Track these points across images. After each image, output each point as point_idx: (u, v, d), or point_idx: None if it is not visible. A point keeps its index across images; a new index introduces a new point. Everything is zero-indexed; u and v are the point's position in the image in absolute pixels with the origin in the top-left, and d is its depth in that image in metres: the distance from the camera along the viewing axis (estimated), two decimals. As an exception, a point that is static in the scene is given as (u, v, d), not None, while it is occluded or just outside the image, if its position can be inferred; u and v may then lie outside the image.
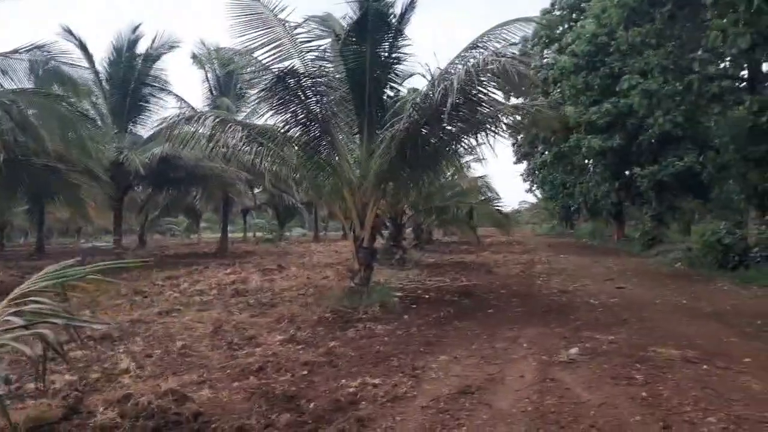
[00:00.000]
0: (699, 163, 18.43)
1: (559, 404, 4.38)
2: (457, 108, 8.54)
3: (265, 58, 8.48)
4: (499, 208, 19.66)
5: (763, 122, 11.34)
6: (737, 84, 13.06)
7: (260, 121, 10.20)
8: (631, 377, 5.04)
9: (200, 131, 9.48)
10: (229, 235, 52.05)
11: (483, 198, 19.66)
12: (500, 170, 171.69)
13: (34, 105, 11.33)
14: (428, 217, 20.18)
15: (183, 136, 9.39)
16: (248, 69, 8.65)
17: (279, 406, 4.55)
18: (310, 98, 9.12)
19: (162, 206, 25.18)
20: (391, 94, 10.43)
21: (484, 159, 24.45)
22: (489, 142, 10.41)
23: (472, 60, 8.18)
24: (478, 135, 10.21)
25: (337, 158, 9.44)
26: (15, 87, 11.69)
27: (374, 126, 9.55)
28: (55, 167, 12.11)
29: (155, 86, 19.18)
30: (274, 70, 8.62)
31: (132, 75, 18.25)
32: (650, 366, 5.39)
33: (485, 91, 8.46)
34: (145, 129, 20.41)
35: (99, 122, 18.53)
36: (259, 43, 8.37)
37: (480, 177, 20.87)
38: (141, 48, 18.59)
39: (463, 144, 10.18)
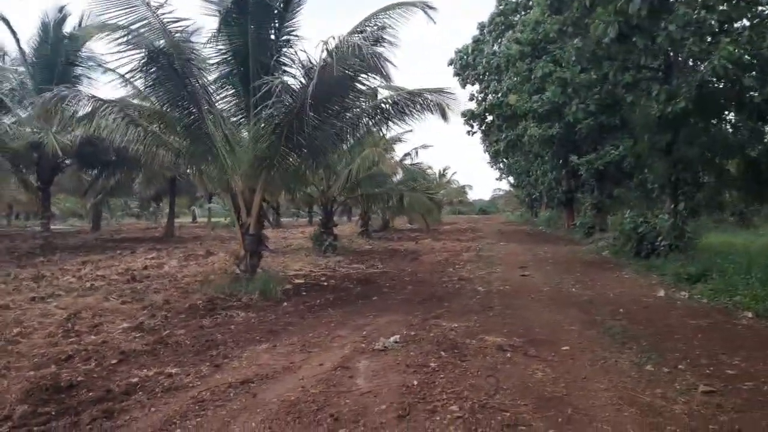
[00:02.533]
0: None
1: (323, 393, 4.30)
2: (330, 94, 8.40)
3: (132, 37, 8.22)
4: (431, 195, 19.55)
5: (669, 112, 11.32)
6: (656, 74, 13.03)
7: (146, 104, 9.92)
8: (426, 365, 4.99)
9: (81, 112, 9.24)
10: (200, 219, 51.82)
11: (414, 185, 19.56)
12: (477, 158, 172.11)
13: None
14: (366, 204, 20.04)
15: (66, 117, 9.12)
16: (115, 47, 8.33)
17: (48, 396, 4.41)
18: (187, 78, 8.87)
19: (106, 189, 24.63)
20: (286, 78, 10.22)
21: (429, 147, 24.43)
22: (382, 129, 10.38)
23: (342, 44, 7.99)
24: (371, 121, 10.15)
25: (220, 142, 9.23)
26: None
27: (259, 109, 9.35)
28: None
29: (87, 66, 18.71)
30: (143, 49, 8.36)
31: (59, 55, 17.78)
32: (456, 354, 5.34)
33: (351, 74, 8.30)
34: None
35: (27, 105, 18.05)
36: (124, 21, 8.11)
37: (415, 164, 20.75)
38: (69, 27, 18.13)
39: (355, 130, 10.05)
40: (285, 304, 8.62)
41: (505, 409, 3.95)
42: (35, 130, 15.84)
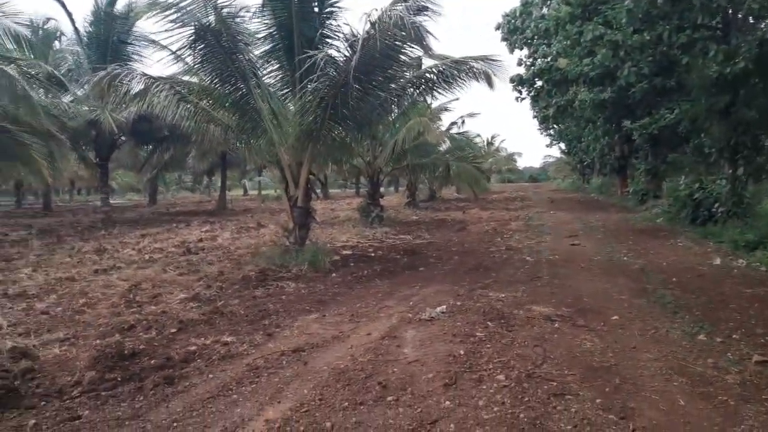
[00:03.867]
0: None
1: (371, 361, 4.41)
2: (374, 65, 8.39)
3: (180, 15, 8.37)
4: (478, 164, 19.33)
5: (727, 73, 10.80)
6: (714, 33, 12.40)
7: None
8: (472, 335, 5.04)
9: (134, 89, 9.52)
10: (251, 192, 52.92)
11: (461, 154, 19.36)
12: (527, 125, 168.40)
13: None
14: (413, 174, 20.01)
15: (119, 95, 9.43)
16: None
17: (113, 363, 4.68)
18: (234, 54, 9.00)
19: (161, 164, 25.44)
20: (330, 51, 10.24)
21: (476, 115, 24.07)
22: (428, 98, 10.31)
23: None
24: (416, 91, 10.10)
25: (267, 116, 9.37)
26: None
27: (305, 83, 9.43)
28: (3, 127, 12.33)
29: (138, 44, 19.11)
30: (191, 26, 8.51)
31: (111, 34, 18.24)
32: (502, 324, 5.36)
33: (395, 45, 8.26)
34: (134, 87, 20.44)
35: (84, 84, 18.65)
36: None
37: (462, 132, 20.50)
38: (120, 6, 18.54)
39: (400, 101, 10.03)
40: (333, 275, 8.79)
41: (551, 378, 3.97)
42: (92, 108, 16.39)
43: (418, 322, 5.62)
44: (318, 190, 16.25)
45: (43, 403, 3.86)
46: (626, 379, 4.00)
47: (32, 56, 14.69)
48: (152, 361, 4.74)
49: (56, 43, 20.68)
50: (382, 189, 18.90)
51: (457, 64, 9.73)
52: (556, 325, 5.36)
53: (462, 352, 4.54)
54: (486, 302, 6.36)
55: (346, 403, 3.64)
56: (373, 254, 11.06)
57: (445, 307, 6.04)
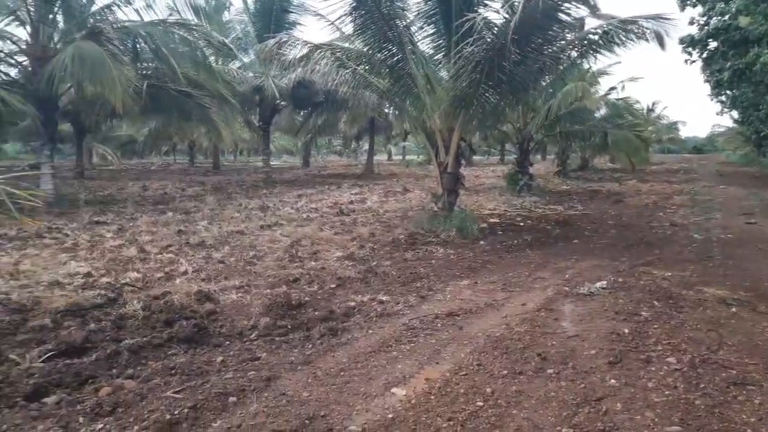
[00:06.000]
0: None
1: (528, 332, 4.35)
2: (533, 27, 8.04)
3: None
4: (638, 132, 17.91)
5: None
6: None
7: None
8: (636, 313, 4.77)
9: (294, 56, 10.03)
10: (395, 157, 54.06)
11: (620, 122, 18.05)
12: (692, 91, 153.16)
13: (168, 35, 12.74)
14: (565, 142, 19.13)
15: (283, 61, 10.00)
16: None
17: (284, 312, 5.07)
18: (392, 20, 9.10)
19: (315, 128, 26.71)
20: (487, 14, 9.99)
21: (638, 79, 22.36)
22: (588, 62, 9.76)
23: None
24: (576, 53, 9.59)
25: (421, 82, 9.41)
26: (155, 18, 13.16)
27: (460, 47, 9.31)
28: (187, 92, 13.63)
29: (299, 12, 20.04)
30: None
31: (274, 3, 19.24)
32: (670, 305, 5.02)
33: (556, 5, 7.83)
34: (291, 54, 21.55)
35: (249, 51, 19.99)
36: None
37: (621, 98, 19.06)
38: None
39: (558, 64, 9.57)
40: (482, 242, 8.75)
41: (729, 366, 3.67)
42: (257, 74, 17.52)
43: (575, 296, 5.44)
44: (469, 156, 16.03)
45: (227, 342, 4.30)
46: (821, 376, 3.58)
47: (207, 25, 15.98)
48: (316, 313, 5.06)
49: (225, 13, 22.32)
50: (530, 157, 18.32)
51: (624, 24, 9.04)
52: (733, 309, 4.90)
53: (626, 331, 4.32)
54: (650, 280, 5.98)
55: (505, 372, 3.64)
56: (522, 224, 10.84)
57: (605, 282, 5.78)
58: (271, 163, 23.23)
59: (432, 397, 3.28)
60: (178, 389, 3.31)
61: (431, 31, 9.76)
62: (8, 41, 13.09)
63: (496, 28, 8.24)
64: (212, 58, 14.00)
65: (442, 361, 3.87)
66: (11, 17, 12.68)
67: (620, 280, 5.98)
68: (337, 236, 9.18)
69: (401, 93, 9.94)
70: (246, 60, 19.55)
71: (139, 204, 13.67)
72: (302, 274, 6.55)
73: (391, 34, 9.22)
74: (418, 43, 9.72)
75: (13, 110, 12.28)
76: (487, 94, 9.46)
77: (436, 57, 9.91)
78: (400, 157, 51.19)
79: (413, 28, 9.65)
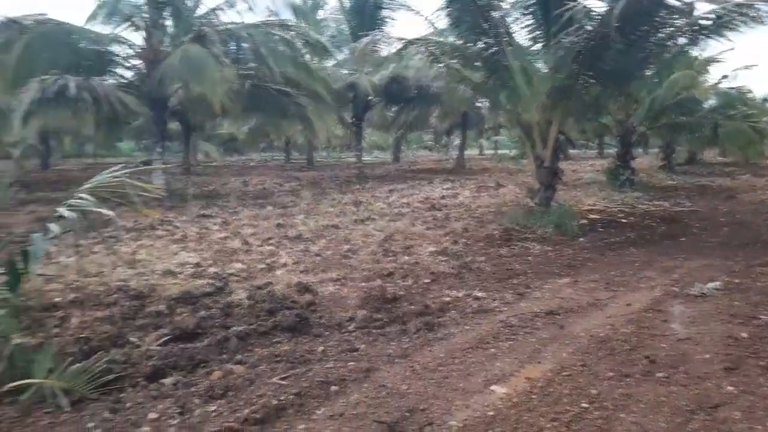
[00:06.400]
0: None
1: (635, 334, 4.16)
2: (638, 14, 7.65)
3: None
4: (753, 123, 16.53)
5: None
6: None
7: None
8: (755, 317, 4.44)
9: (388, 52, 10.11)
10: (487, 152, 53.24)
11: (732, 113, 16.75)
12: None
13: (268, 36, 13.27)
14: (671, 135, 18.05)
15: (375, 58, 10.12)
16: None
17: (379, 305, 5.14)
18: (488, 11, 8.95)
19: (406, 124, 26.82)
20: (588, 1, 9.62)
21: (752, 67, 20.69)
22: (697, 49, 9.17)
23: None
24: (684, 40, 9.03)
25: (518, 74, 9.19)
26: (256, 21, 13.74)
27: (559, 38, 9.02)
28: (285, 91, 14.11)
29: (390, 8, 20.15)
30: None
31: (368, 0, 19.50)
32: (795, 310, 4.62)
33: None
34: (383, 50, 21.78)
35: (342, 48, 20.38)
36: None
37: (734, 87, 17.66)
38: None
39: (664, 52, 9.05)
40: (581, 239, 8.45)
41: None
42: (350, 71, 17.84)
43: (685, 297, 5.13)
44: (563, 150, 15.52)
45: (326, 333, 4.41)
46: None
47: (304, 24, 16.47)
48: (411, 307, 5.08)
49: (320, 12, 22.88)
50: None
51: (740, 7, 8.40)
52: None
53: (745, 335, 4.03)
54: (773, 283, 5.54)
55: (611, 374, 3.49)
56: (624, 220, 10.35)
57: (718, 283, 5.41)
58: (363, 158, 23.58)
59: (534, 397, 3.20)
60: (283, 376, 3.44)
61: (529, 21, 9.52)
62: (125, 46, 14.12)
63: (598, 16, 7.92)
64: (308, 57, 14.40)
65: (543, 360, 3.78)
66: (128, 23, 13.65)
67: (735, 280, 5.59)
68: (430, 231, 9.18)
69: (496, 86, 9.79)
70: (340, 57, 19.96)
71: (241, 199, 14.31)
72: (396, 268, 6.60)
73: (487, 26, 9.07)
74: (515, 34, 9.52)
75: (129, 110, 13.23)
76: (587, 85, 9.13)
77: (533, 48, 9.64)
78: (492, 152, 50.32)
79: (509, 19, 9.44)
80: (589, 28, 7.91)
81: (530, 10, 9.45)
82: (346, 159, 41.01)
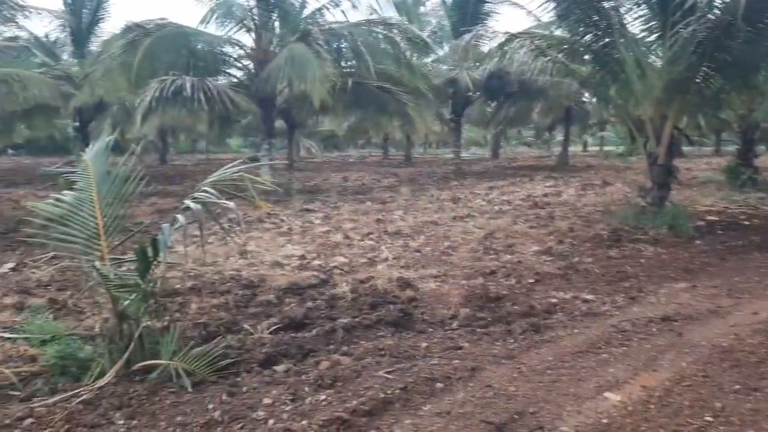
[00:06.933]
0: None
1: (763, 344, 3.83)
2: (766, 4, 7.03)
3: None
4: None
5: None
6: None
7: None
8: None
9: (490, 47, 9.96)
10: (592, 148, 51.19)
11: None
12: None
13: (370, 34, 13.47)
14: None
15: (477, 53, 10.00)
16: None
17: (482, 304, 5.09)
18: (600, 3, 8.57)
19: (506, 119, 26.29)
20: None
21: None
22: None
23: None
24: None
25: (631, 67, 8.74)
26: (359, 19, 14.02)
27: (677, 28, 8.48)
28: (386, 88, 14.26)
29: (492, 2, 19.83)
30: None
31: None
32: None
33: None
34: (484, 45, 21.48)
35: (443, 44, 20.30)
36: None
37: None
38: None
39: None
40: (698, 242, 7.91)
41: None
42: (451, 67, 17.73)
43: (822, 308, 4.68)
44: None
45: (429, 329, 4.42)
46: None
47: (406, 21, 16.55)
48: (516, 307, 4.98)
49: (421, 8, 22.91)
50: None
51: None
52: None
53: None
54: None
55: (737, 386, 3.24)
56: (746, 222, 9.59)
57: None
58: (461, 155, 23.39)
59: (651, 407, 3.03)
60: (389, 370, 3.48)
61: (643, 11, 9.00)
62: (236, 47, 14.85)
63: (722, 4, 7.37)
64: (408, 53, 14.49)
65: (659, 368, 3.57)
66: (239, 25, 14.34)
67: None
68: (533, 230, 8.96)
69: (606, 79, 9.34)
70: (440, 53, 19.91)
71: (341, 194, 14.66)
72: (498, 267, 6.49)
73: (598, 17, 8.69)
74: (628, 25, 9.03)
75: (239, 109, 13.90)
76: (708, 78, 8.51)
77: (647, 39, 9.12)
78: (597, 148, 48.27)
79: (621, 10, 8.99)
80: (711, 16, 7.36)
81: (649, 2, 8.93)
82: (443, 155, 40.91)
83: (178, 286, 5.47)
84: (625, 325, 4.37)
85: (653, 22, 8.99)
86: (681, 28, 7.70)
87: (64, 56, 22.25)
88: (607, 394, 3.20)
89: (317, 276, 5.90)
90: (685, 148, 41.59)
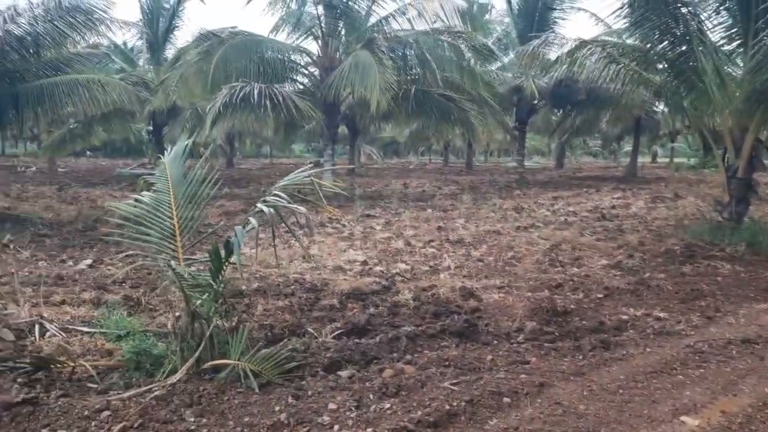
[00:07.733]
0: None
1: None
2: None
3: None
4: None
5: None
6: None
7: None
8: None
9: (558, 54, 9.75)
10: (661, 159, 49.36)
11: None
12: None
13: (435, 42, 13.47)
14: None
15: (545, 60, 9.82)
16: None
17: (549, 317, 4.95)
18: (677, 8, 8.25)
19: (572, 128, 25.68)
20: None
21: None
22: None
23: None
24: None
25: (710, 76, 8.36)
26: (425, 28, 14.02)
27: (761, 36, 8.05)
28: (449, 95, 14.21)
29: (561, 9, 19.43)
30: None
31: (538, 1, 18.93)
32: None
33: None
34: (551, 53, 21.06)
35: (508, 51, 20.06)
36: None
37: None
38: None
39: None
40: (779, 260, 7.47)
41: None
42: (516, 75, 17.49)
43: None
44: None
45: (494, 341, 4.33)
46: None
47: (471, 29, 16.45)
48: (584, 323, 4.83)
49: (486, 15, 22.70)
50: None
51: None
52: None
53: None
54: None
55: (830, 419, 3.03)
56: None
57: None
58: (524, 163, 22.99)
59: (733, 434, 2.87)
60: (454, 381, 3.43)
61: (723, 18, 8.61)
62: (303, 54, 15.15)
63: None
64: (472, 61, 14.39)
65: (740, 393, 3.38)
66: (307, 33, 14.64)
67: None
68: (600, 243, 8.69)
69: (681, 89, 8.97)
70: (505, 60, 19.65)
71: (402, 200, 14.68)
72: (565, 279, 6.33)
73: (674, 24, 8.37)
74: (708, 32, 8.65)
75: (303, 115, 14.15)
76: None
77: (726, 48, 8.71)
78: (667, 160, 46.48)
79: (702, 16, 8.62)
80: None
81: (726, 5, 8.52)
82: (504, 163, 40.40)
83: (243, 287, 5.59)
84: (701, 346, 4.16)
85: (734, 30, 8.58)
86: (765, 36, 7.33)
87: (140, 63, 23.31)
88: (684, 418, 3.05)
89: (379, 282, 5.90)
90: (767, 162, 39.51)
